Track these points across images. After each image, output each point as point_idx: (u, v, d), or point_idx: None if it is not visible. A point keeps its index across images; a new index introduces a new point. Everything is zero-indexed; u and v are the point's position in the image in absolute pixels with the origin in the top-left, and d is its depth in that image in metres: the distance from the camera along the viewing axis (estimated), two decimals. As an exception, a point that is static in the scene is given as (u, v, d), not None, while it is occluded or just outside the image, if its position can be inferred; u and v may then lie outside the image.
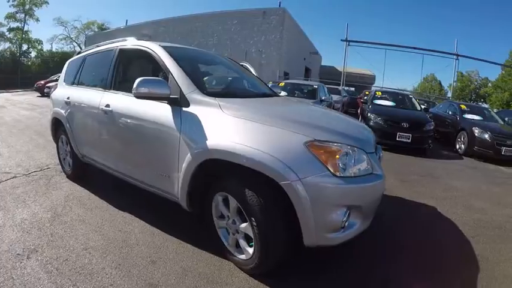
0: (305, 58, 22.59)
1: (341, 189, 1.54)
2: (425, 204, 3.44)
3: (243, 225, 1.75)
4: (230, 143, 1.67)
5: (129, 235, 2.20)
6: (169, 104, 1.99)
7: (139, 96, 1.94)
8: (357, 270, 2.00)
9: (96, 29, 34.73)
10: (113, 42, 2.83)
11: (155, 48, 2.28)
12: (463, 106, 8.61)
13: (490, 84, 32.94)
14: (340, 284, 1.83)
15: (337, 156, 1.56)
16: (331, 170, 1.52)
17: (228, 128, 1.76)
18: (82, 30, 35.11)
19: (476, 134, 6.84)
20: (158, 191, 2.14)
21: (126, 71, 2.73)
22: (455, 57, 20.47)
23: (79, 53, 3.56)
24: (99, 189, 3.04)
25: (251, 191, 1.63)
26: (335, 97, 10.20)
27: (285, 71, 17.67)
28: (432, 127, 6.74)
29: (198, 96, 1.96)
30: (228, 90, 2.68)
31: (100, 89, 2.65)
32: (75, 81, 3.22)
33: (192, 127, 1.86)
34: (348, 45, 20.46)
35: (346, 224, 1.59)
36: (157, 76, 2.21)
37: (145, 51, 2.34)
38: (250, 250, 1.75)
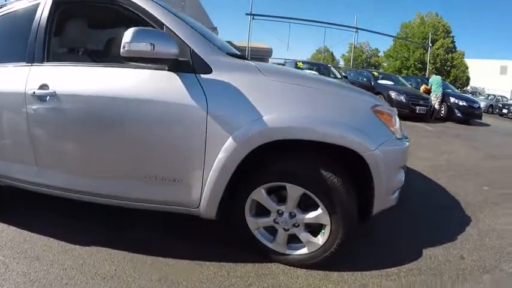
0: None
1: (403, 150, 1.64)
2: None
3: (311, 214, 1.50)
4: (297, 116, 1.39)
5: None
6: (175, 72, 1.44)
7: (132, 57, 1.34)
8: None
9: None
10: None
11: None
12: (375, 73, 9.97)
13: (381, 54, 39.24)
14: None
15: (392, 120, 1.60)
16: (394, 134, 1.56)
17: (282, 98, 1.44)
18: None
19: (393, 97, 8.14)
20: (155, 205, 1.57)
21: (70, 32, 1.86)
22: (354, 30, 23.53)
23: None
24: (34, 221, 1.94)
25: (327, 170, 1.42)
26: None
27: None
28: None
29: (223, 57, 1.52)
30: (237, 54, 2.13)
31: (22, 64, 1.72)
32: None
33: (226, 101, 1.42)
34: (253, 19, 20.93)
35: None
36: None
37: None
38: (320, 240, 1.54)
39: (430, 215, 2.50)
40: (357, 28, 23.51)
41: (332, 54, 46.51)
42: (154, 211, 1.63)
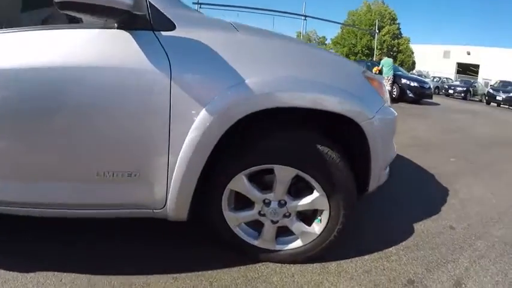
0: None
1: (395, 119, 1.52)
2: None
3: (305, 200, 1.28)
4: (285, 79, 1.16)
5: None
6: (127, 29, 1.08)
7: (69, 1, 0.92)
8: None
9: None
10: None
11: None
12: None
13: (328, 42, 40.70)
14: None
15: (382, 86, 1.49)
16: (385, 101, 1.45)
17: (266, 58, 1.21)
18: None
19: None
20: (108, 210, 1.21)
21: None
22: (303, 18, 23.97)
23: None
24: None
25: (323, 145, 1.21)
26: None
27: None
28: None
29: (189, 11, 1.27)
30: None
31: None
32: None
33: (195, 64, 1.11)
34: (200, 7, 20.53)
35: None
36: None
37: None
38: (316, 229, 1.33)
39: (409, 189, 2.47)
40: (306, 16, 23.90)
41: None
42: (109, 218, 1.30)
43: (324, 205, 1.27)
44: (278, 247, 1.37)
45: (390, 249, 1.58)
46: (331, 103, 1.20)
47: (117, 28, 1.08)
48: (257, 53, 1.21)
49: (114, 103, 1.07)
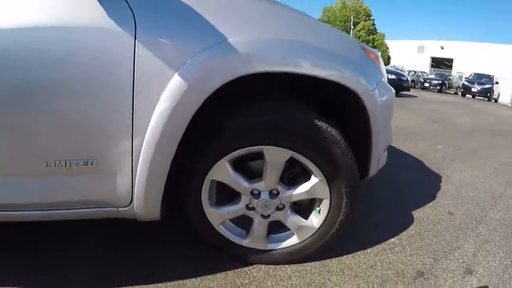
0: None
1: (393, 95, 1.38)
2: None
3: (302, 187, 1.09)
4: (276, 39, 0.97)
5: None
6: None
7: None
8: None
9: None
10: None
11: None
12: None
13: None
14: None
15: (379, 60, 1.34)
16: (383, 75, 1.32)
17: (254, 14, 1.02)
18: None
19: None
20: (61, 210, 0.95)
21: None
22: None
23: None
24: None
25: (321, 120, 1.02)
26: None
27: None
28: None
29: None
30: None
31: None
32: None
33: (166, 19, 0.89)
34: None
35: None
36: None
37: None
38: (314, 222, 1.15)
39: (401, 176, 2.37)
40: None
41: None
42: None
43: (324, 193, 1.09)
44: (270, 246, 1.18)
45: (392, 239, 1.45)
46: (329, 71, 1.01)
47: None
48: (242, 9, 1.01)
49: (62, 72, 0.83)
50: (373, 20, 31.56)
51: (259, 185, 1.07)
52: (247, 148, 1.00)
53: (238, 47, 0.89)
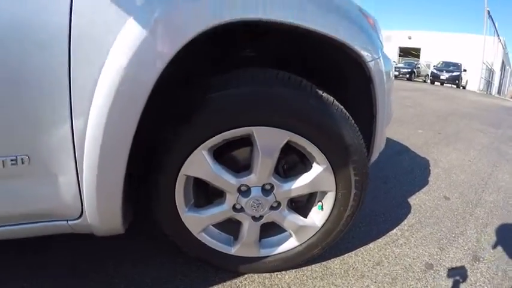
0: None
1: (393, 67, 1.33)
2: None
3: (303, 179, 0.91)
4: None
5: None
6: None
7: None
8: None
9: None
10: None
11: None
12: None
13: None
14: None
15: (377, 26, 1.19)
16: (382, 43, 1.18)
17: None
18: None
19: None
20: None
21: None
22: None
23: None
24: None
25: (324, 91, 0.85)
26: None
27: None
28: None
29: None
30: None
31: None
32: None
33: None
34: None
35: None
36: None
37: None
38: (316, 220, 0.99)
39: (390, 162, 2.33)
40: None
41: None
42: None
43: (330, 184, 0.92)
44: (264, 252, 1.03)
45: (394, 231, 1.37)
46: (332, 30, 0.81)
47: None
48: None
49: None
50: (342, 10, 32.40)
51: (248, 179, 0.88)
52: (232, 131, 0.79)
53: None
